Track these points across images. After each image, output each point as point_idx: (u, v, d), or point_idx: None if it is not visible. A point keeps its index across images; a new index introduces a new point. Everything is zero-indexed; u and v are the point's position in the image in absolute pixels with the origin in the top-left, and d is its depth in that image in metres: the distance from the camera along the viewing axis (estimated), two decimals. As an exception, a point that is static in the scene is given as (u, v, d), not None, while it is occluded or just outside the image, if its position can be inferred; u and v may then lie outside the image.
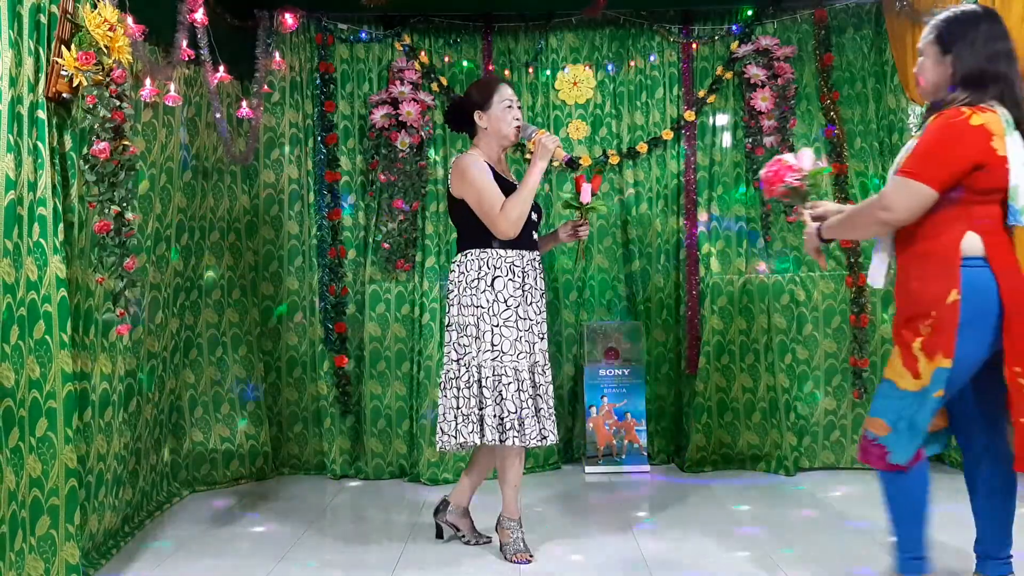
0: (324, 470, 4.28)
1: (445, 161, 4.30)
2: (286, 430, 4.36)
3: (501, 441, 2.92)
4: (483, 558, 3.06)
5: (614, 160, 4.36)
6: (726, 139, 4.36)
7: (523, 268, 3.00)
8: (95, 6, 2.54)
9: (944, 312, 2.25)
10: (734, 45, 4.30)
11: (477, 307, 2.95)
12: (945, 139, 2.24)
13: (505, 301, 2.95)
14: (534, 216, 3.06)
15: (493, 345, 2.93)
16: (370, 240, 4.29)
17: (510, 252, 2.99)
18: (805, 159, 2.65)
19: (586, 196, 3.16)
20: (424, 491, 3.99)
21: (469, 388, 2.95)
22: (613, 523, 3.44)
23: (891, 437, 2.34)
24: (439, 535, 3.20)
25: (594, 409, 4.30)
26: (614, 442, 4.28)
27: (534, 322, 3.01)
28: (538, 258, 3.10)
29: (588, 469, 4.26)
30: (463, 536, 3.20)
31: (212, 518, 3.60)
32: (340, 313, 4.28)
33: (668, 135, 4.37)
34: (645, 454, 4.29)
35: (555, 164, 3.02)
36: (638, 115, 4.42)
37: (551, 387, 3.06)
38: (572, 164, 3.01)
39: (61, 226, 2.55)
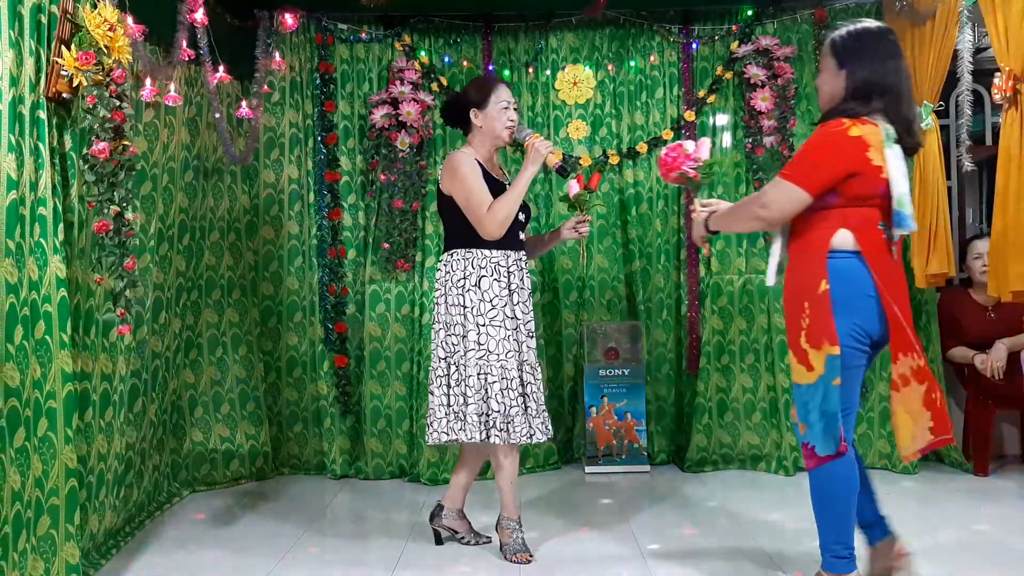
0: (324, 470, 4.28)
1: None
2: (286, 430, 4.36)
3: (485, 439, 2.94)
4: (483, 558, 3.06)
5: (614, 160, 4.36)
6: (726, 139, 4.36)
7: (508, 268, 3.01)
8: (95, 6, 2.54)
9: (817, 301, 2.36)
10: (734, 45, 4.30)
11: (463, 306, 2.97)
12: (823, 147, 2.38)
13: (491, 301, 2.96)
14: (521, 216, 3.07)
15: (479, 344, 2.95)
16: (370, 240, 4.29)
17: (495, 252, 3.00)
18: (703, 149, 2.76)
19: (573, 189, 3.18)
20: (424, 491, 3.99)
21: (459, 385, 2.98)
22: (613, 523, 3.44)
23: (810, 432, 2.42)
24: (438, 541, 3.20)
25: (594, 409, 4.30)
26: (614, 442, 4.28)
27: (521, 321, 3.02)
28: (524, 258, 3.11)
29: (588, 469, 4.26)
30: (462, 538, 3.20)
31: (212, 518, 3.60)
32: (340, 313, 4.28)
33: (668, 135, 4.37)
34: (645, 454, 4.29)
35: (551, 166, 3.01)
36: (638, 115, 4.42)
37: (541, 385, 3.07)
38: (563, 172, 3.01)
39: (61, 226, 2.55)
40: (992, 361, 3.88)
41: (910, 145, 2.44)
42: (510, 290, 3.00)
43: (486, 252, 2.99)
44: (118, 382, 3.08)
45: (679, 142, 2.78)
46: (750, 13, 4.31)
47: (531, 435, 2.97)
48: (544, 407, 3.05)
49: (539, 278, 4.35)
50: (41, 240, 2.47)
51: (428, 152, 4.27)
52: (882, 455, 4.16)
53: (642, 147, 4.37)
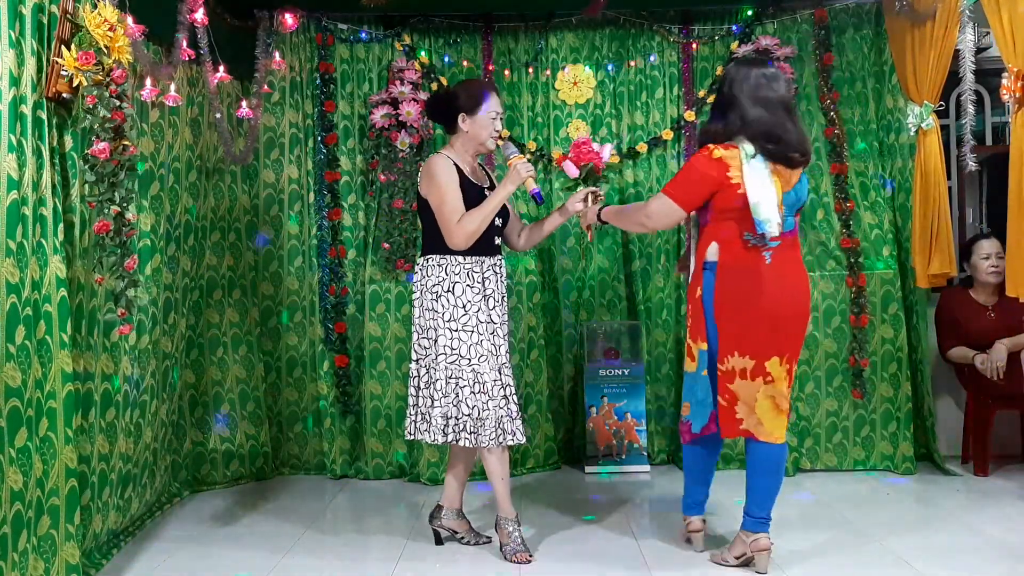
0: (324, 470, 4.28)
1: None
2: (286, 430, 4.36)
3: (451, 441, 2.99)
4: (482, 557, 3.06)
5: (614, 160, 4.36)
6: (726, 139, 4.35)
7: (483, 274, 3.04)
8: (95, 6, 2.54)
9: (695, 304, 2.86)
10: (734, 45, 4.30)
11: (435, 311, 3.01)
12: (693, 169, 2.83)
13: (464, 306, 2.99)
14: (498, 221, 3.09)
15: (451, 349, 2.98)
16: (370, 240, 4.29)
17: (469, 259, 3.02)
18: (606, 152, 3.24)
19: (572, 171, 3.22)
20: (424, 491, 3.99)
21: (427, 388, 3.04)
22: (613, 523, 3.44)
23: (690, 413, 2.93)
24: (438, 541, 3.21)
25: (594, 409, 4.29)
26: (614, 442, 4.28)
27: (497, 325, 3.04)
28: (500, 263, 3.13)
29: (588, 469, 4.26)
30: (462, 537, 3.20)
31: (212, 518, 3.60)
32: (340, 313, 4.28)
33: (668, 135, 4.37)
34: (645, 454, 4.29)
35: (528, 190, 3.03)
36: (638, 115, 4.42)
37: (514, 388, 3.07)
38: (538, 198, 3.03)
39: (61, 226, 2.55)
40: (993, 361, 3.88)
41: (775, 152, 2.74)
42: (484, 295, 3.03)
43: (459, 259, 3.01)
44: (122, 382, 3.08)
45: (587, 138, 3.20)
46: (750, 13, 4.31)
47: (502, 438, 2.96)
48: (519, 408, 3.06)
49: (539, 278, 4.35)
50: (42, 240, 2.47)
51: (428, 152, 4.27)
52: (884, 456, 4.15)
53: (642, 147, 4.37)
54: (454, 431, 2.98)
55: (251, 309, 4.21)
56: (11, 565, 2.31)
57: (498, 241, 3.14)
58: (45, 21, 2.50)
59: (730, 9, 4.34)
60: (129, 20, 2.64)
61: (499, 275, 3.10)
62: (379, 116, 4.18)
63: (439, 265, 3.02)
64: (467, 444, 2.96)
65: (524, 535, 3.07)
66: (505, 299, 3.14)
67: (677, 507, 3.64)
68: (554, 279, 4.43)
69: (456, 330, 2.98)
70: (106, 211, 2.58)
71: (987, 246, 4.13)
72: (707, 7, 4.35)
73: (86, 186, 2.63)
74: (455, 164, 3.04)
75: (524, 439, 3.03)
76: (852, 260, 4.17)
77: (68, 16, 2.51)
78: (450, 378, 2.98)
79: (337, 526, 3.53)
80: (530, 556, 3.01)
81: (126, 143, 2.61)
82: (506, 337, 3.09)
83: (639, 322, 4.39)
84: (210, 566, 3.02)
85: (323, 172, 4.28)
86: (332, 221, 4.28)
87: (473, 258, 3.02)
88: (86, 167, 2.57)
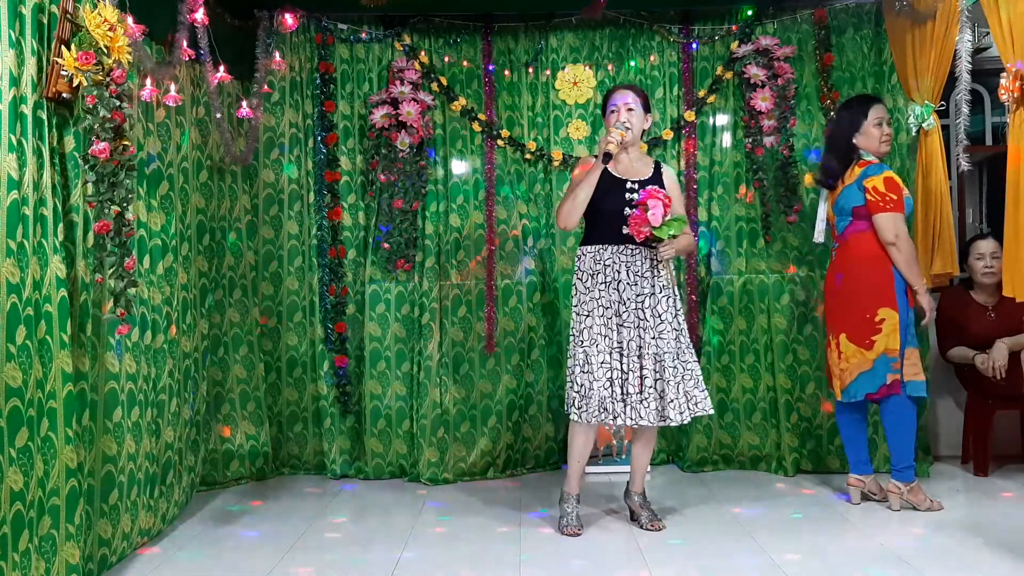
0: (324, 470, 4.28)
1: (445, 161, 4.30)
2: (286, 430, 4.36)
3: (580, 417, 3.18)
4: (483, 557, 3.06)
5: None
6: (726, 139, 4.35)
7: (605, 261, 3.24)
8: (95, 6, 2.54)
9: None
10: (734, 45, 4.30)
11: (575, 296, 3.30)
12: None
13: (588, 292, 3.25)
14: (628, 212, 3.24)
15: (579, 330, 3.25)
16: (370, 240, 4.29)
17: (593, 248, 3.28)
18: (657, 213, 3.19)
19: (656, 220, 3.24)
20: (424, 491, 3.99)
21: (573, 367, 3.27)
22: (613, 523, 3.44)
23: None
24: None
25: (594, 409, 4.29)
26: (614, 442, 4.28)
27: (615, 311, 3.20)
28: (631, 250, 3.24)
29: (588, 469, 4.25)
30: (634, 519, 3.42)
31: (212, 518, 3.60)
32: (340, 313, 4.28)
33: (668, 135, 4.36)
34: (645, 454, 4.29)
35: (611, 146, 3.19)
36: (638, 115, 4.41)
37: (635, 373, 3.17)
38: (607, 158, 3.19)
39: (61, 226, 2.55)
40: (994, 360, 3.88)
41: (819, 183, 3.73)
42: (606, 282, 3.22)
43: (588, 248, 3.30)
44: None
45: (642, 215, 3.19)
46: (750, 13, 4.31)
47: (601, 417, 3.14)
48: (626, 394, 3.16)
49: (539, 278, 4.35)
50: (42, 240, 2.47)
51: (428, 152, 4.27)
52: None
53: (642, 147, 4.36)
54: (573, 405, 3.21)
55: (251, 309, 4.21)
56: (12, 565, 2.31)
57: (626, 231, 3.24)
58: (45, 21, 2.50)
59: (730, 9, 4.34)
60: (129, 20, 2.64)
61: (633, 263, 3.22)
62: (379, 116, 4.18)
63: (579, 255, 3.32)
64: (574, 418, 3.19)
65: (523, 534, 3.07)
66: (649, 286, 3.22)
67: (676, 506, 3.66)
68: (554, 279, 4.42)
69: (580, 314, 3.25)
70: (106, 211, 2.57)
71: (983, 246, 4.13)
72: (707, 7, 4.35)
73: (88, 186, 2.62)
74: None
75: (630, 422, 3.16)
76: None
77: (68, 16, 2.51)
78: (576, 357, 3.22)
79: (337, 526, 3.52)
80: (578, 529, 3.28)
81: (126, 143, 2.61)
82: (637, 326, 3.18)
83: (639, 322, 4.38)
84: (210, 567, 3.02)
85: (323, 172, 4.28)
86: (332, 221, 4.28)
87: (596, 246, 3.27)
88: (86, 167, 2.57)
